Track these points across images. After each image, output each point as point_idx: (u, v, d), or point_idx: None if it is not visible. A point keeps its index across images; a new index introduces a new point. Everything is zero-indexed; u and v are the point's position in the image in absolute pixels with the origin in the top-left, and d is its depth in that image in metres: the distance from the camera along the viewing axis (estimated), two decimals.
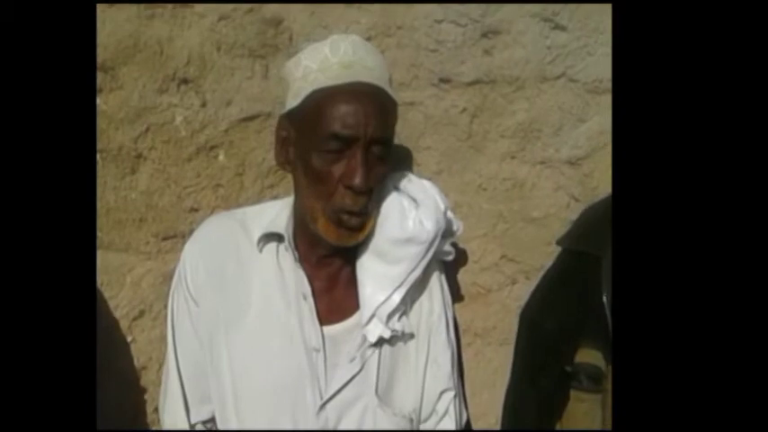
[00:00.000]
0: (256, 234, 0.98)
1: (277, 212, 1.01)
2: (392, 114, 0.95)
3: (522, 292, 1.19)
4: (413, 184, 1.01)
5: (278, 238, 0.98)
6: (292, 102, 0.94)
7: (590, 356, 1.02)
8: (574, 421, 1.00)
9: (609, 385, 0.99)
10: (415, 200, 0.99)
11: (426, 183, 1.03)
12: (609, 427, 0.98)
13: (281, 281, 0.97)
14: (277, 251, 0.98)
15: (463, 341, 1.23)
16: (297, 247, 0.98)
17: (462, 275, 1.23)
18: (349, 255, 0.99)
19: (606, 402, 1.00)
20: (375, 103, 0.91)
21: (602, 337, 0.95)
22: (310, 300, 0.96)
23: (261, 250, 0.98)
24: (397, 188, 1.01)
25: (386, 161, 0.94)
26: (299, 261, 0.97)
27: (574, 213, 1.15)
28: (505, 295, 1.23)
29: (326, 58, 0.92)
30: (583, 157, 1.17)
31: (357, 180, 0.89)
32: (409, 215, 0.97)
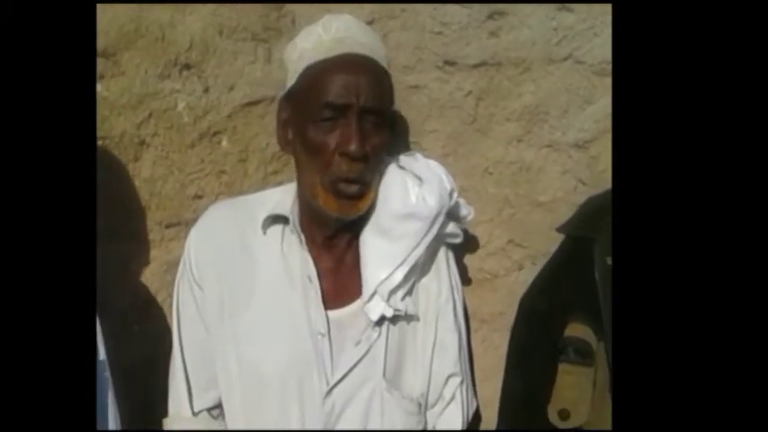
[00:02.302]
0: (261, 216, 0.98)
1: (282, 196, 1.01)
2: (386, 84, 0.96)
3: (529, 277, 1.18)
4: (418, 162, 1.01)
5: (283, 220, 0.98)
6: (290, 82, 0.96)
7: (579, 331, 1.02)
8: (561, 393, 1.00)
9: (600, 361, 0.99)
10: (419, 177, 0.99)
11: (432, 162, 1.03)
12: (598, 402, 0.98)
13: (285, 264, 0.97)
14: (282, 235, 0.98)
15: (470, 327, 1.22)
16: (302, 230, 0.97)
17: (469, 261, 1.21)
18: (354, 236, 0.99)
19: (597, 380, 1.00)
20: (367, 73, 0.92)
21: (592, 313, 0.96)
22: (316, 282, 0.95)
23: (265, 232, 0.98)
24: (401, 167, 1.00)
25: (383, 131, 0.94)
26: (305, 243, 0.96)
27: (581, 197, 1.14)
28: (512, 280, 1.22)
29: (319, 36, 0.94)
30: (590, 140, 1.16)
31: (352, 146, 0.90)
32: (412, 191, 0.97)
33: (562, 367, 1.00)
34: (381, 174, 0.98)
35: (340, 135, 0.91)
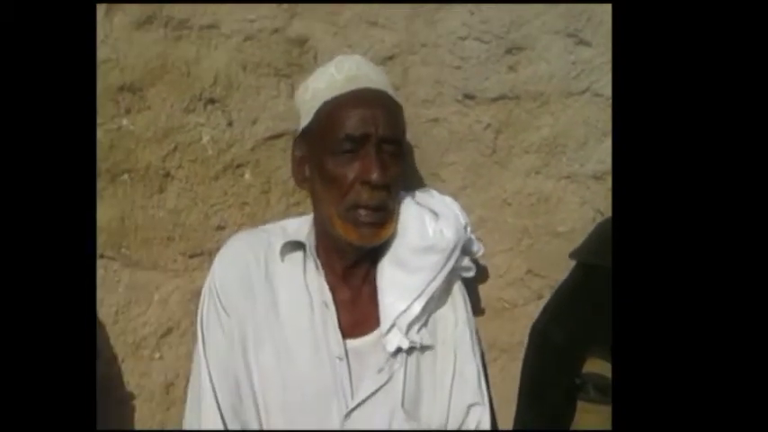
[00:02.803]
0: (279, 244, 1.00)
1: (299, 224, 1.04)
2: (399, 116, 0.98)
3: None
4: (434, 198, 1.04)
5: (301, 247, 1.00)
6: (305, 120, 0.99)
7: (599, 367, 1.01)
8: None
9: None
10: (435, 212, 1.01)
11: (447, 198, 1.06)
12: None
13: (305, 290, 0.99)
14: (304, 261, 1.00)
15: (489, 356, 1.23)
16: (319, 258, 0.99)
17: (488, 290, 1.22)
18: (371, 266, 1.01)
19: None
20: (382, 105, 0.95)
21: (611, 348, 0.94)
22: (332, 308, 0.97)
23: (283, 260, 1.00)
24: (418, 203, 1.02)
25: (399, 161, 0.97)
26: (321, 269, 0.98)
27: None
28: (531, 310, 1.22)
29: (332, 76, 0.97)
30: (608, 172, 1.17)
31: (374, 174, 0.91)
32: (429, 225, 0.99)
33: (581, 405, 0.99)
34: (400, 205, 1.00)
35: (360, 165, 0.93)
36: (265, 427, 0.97)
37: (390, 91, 1.00)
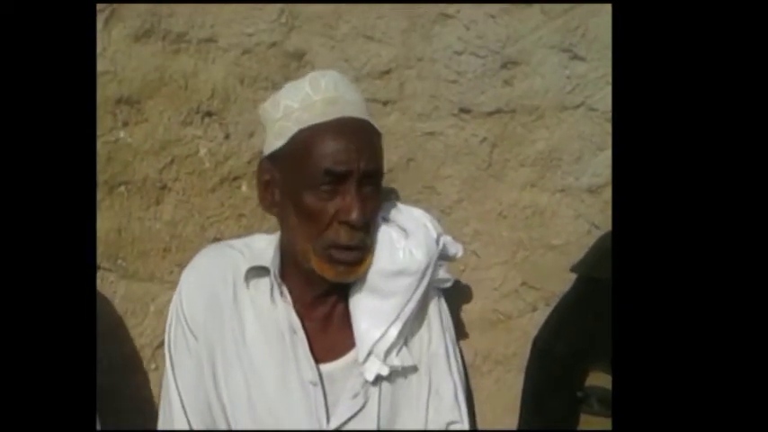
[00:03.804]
0: (243, 267, 0.96)
1: (265, 245, 1.00)
2: (379, 146, 0.95)
3: (543, 318, 1.20)
4: (401, 213, 1.01)
5: (267, 272, 0.96)
6: (275, 143, 0.92)
7: (601, 380, 1.02)
8: None
9: None
10: (404, 229, 0.98)
11: (416, 211, 1.02)
12: None
13: (274, 314, 0.96)
14: (270, 287, 0.96)
15: (483, 368, 1.24)
16: (285, 284, 0.96)
17: (483, 302, 1.23)
18: (343, 292, 0.98)
19: None
20: (364, 137, 0.91)
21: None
22: (301, 333, 0.94)
23: (248, 285, 0.97)
24: (386, 219, 1.00)
25: (377, 194, 0.94)
26: (288, 296, 0.95)
27: (594, 241, 1.16)
28: (526, 322, 1.23)
29: (308, 96, 0.91)
30: (602, 185, 1.18)
31: (354, 215, 0.88)
32: (399, 246, 0.96)
33: (585, 419, 0.99)
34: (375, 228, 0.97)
35: (340, 203, 0.89)
36: None
37: (367, 114, 0.95)
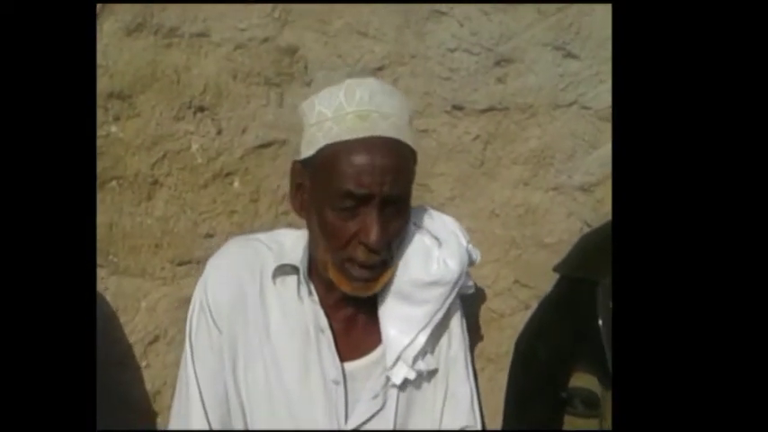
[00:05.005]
0: (272, 265, 0.97)
1: (294, 242, 0.99)
2: (410, 168, 0.92)
3: None
4: (433, 221, 1.00)
5: (295, 270, 0.97)
6: (306, 151, 0.92)
7: (585, 381, 1.01)
8: None
9: (606, 411, 0.99)
10: (437, 238, 0.98)
11: (447, 218, 1.02)
12: None
13: (300, 311, 0.96)
14: (298, 286, 0.97)
15: (476, 366, 1.23)
16: (313, 282, 0.97)
17: (476, 300, 1.23)
18: (367, 298, 0.97)
19: (604, 428, 1.00)
20: (391, 159, 0.87)
21: (597, 362, 0.93)
22: (328, 332, 0.95)
23: (275, 282, 0.97)
24: (417, 225, 0.99)
25: (403, 214, 0.92)
26: (315, 295, 0.96)
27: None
28: (518, 320, 1.23)
29: (341, 106, 0.88)
30: (595, 184, 1.18)
31: (373, 238, 0.87)
32: (433, 256, 0.96)
33: (569, 420, 0.99)
34: (402, 243, 0.96)
35: (360, 223, 0.88)
36: None
37: (404, 123, 0.90)
